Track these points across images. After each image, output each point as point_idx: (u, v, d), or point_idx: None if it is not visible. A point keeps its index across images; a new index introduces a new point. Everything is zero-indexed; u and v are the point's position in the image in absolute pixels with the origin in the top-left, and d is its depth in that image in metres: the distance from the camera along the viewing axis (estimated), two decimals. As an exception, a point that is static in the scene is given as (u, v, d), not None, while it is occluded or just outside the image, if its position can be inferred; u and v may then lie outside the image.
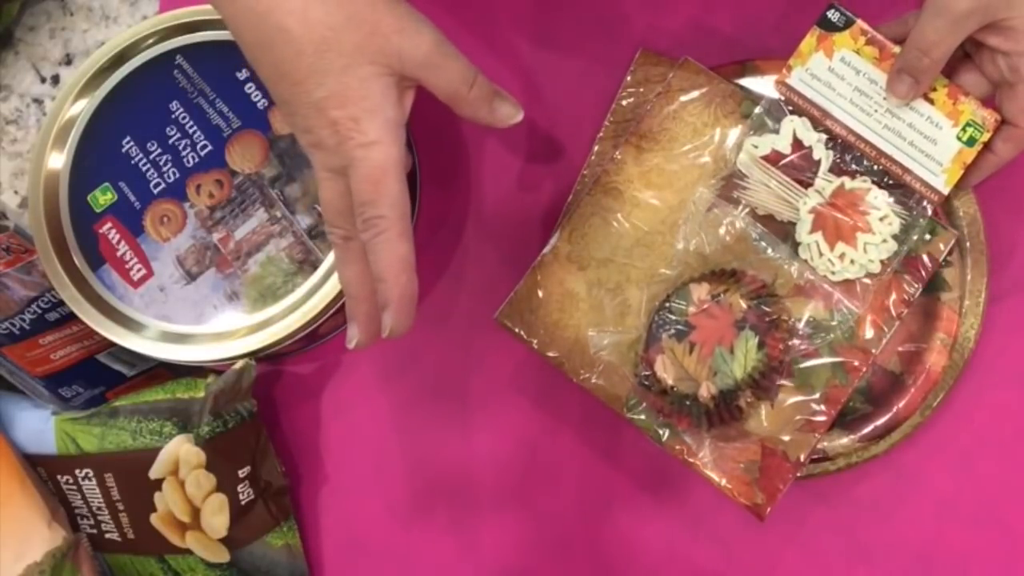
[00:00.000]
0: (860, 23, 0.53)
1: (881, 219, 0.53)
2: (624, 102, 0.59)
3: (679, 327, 0.53)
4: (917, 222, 0.53)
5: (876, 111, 0.52)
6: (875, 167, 0.53)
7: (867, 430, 0.55)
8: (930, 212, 0.53)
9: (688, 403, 0.52)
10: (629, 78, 0.59)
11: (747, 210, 0.54)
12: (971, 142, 0.52)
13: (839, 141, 0.53)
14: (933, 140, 0.52)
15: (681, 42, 0.59)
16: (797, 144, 0.54)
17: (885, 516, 0.56)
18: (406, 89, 0.45)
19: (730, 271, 0.54)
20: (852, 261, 0.53)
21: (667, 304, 0.53)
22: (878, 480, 0.56)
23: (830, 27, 0.53)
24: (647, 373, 0.53)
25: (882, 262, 0.53)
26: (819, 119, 0.53)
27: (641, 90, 0.58)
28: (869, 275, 0.53)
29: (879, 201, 0.53)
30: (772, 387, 0.53)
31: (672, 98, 0.57)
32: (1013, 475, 0.55)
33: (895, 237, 0.53)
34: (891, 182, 0.53)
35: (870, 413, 0.55)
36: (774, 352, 0.51)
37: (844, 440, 0.55)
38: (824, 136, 0.53)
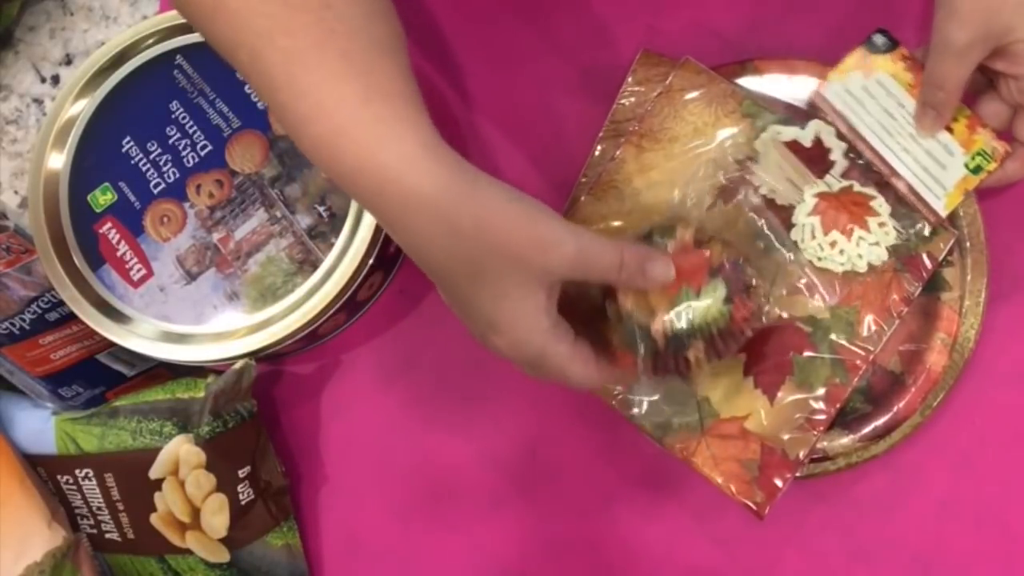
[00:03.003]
0: (902, 49, 0.54)
1: (879, 224, 0.54)
2: (625, 102, 0.59)
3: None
4: (911, 240, 0.54)
5: (899, 133, 0.54)
6: (885, 182, 0.54)
7: (867, 430, 0.55)
8: (927, 232, 0.54)
9: (638, 338, 0.50)
10: (630, 78, 0.59)
11: (757, 191, 0.55)
12: (977, 170, 0.53)
13: (858, 154, 0.55)
14: (943, 165, 0.53)
15: (681, 42, 0.59)
16: (818, 143, 0.55)
17: (885, 516, 0.56)
18: (555, 287, 0.45)
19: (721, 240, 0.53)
20: (841, 251, 0.54)
21: (649, 237, 0.51)
22: (878, 480, 0.56)
23: (874, 49, 0.55)
24: (609, 300, 0.50)
25: (869, 264, 0.54)
26: (844, 132, 0.55)
27: (642, 90, 0.58)
28: (852, 272, 0.54)
29: (882, 208, 0.54)
30: (725, 350, 0.50)
31: (673, 98, 0.57)
32: (1013, 475, 0.55)
33: (888, 248, 0.54)
34: (896, 197, 0.54)
35: (870, 413, 0.55)
36: (738, 314, 0.50)
37: (844, 440, 0.55)
38: (845, 146, 0.55)
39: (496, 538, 0.59)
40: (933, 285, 0.55)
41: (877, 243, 0.54)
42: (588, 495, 0.59)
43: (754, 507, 0.53)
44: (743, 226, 0.55)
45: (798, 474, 0.53)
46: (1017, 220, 0.57)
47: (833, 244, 0.54)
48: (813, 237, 0.54)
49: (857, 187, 0.54)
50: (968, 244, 0.55)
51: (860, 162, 0.55)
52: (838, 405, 0.53)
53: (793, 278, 0.54)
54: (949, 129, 0.54)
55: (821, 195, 0.54)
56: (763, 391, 0.54)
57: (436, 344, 0.61)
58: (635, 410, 0.55)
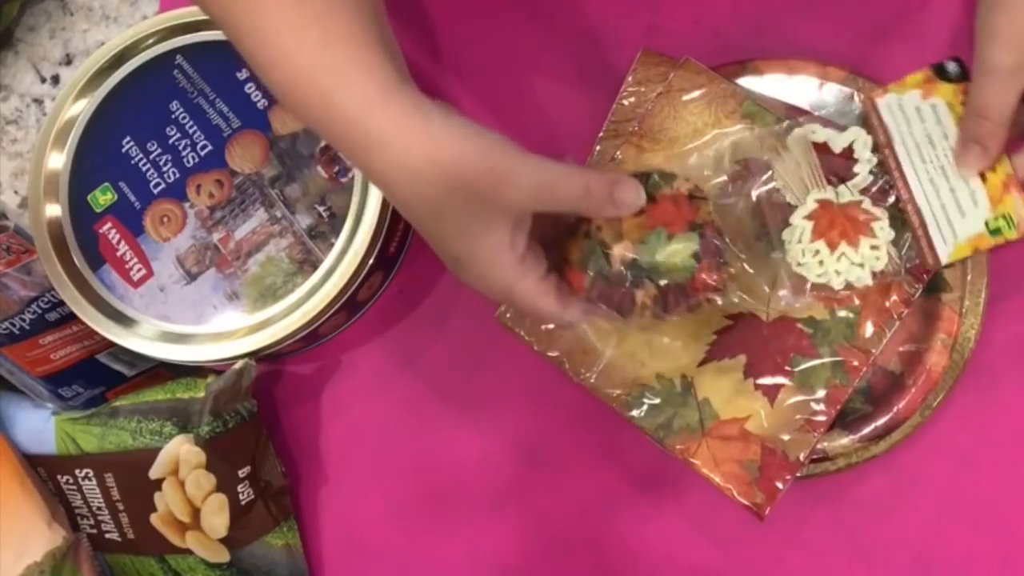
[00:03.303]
0: (969, 84, 0.51)
1: (872, 247, 0.53)
2: (625, 102, 0.59)
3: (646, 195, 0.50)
4: (900, 273, 0.53)
5: (932, 163, 0.52)
6: (899, 207, 0.53)
7: (867, 430, 0.55)
8: (924, 279, 0.53)
9: (597, 255, 0.49)
10: (630, 78, 0.59)
11: (769, 181, 0.54)
12: (995, 232, 0.51)
13: (883, 172, 0.53)
14: (964, 212, 0.51)
15: (682, 42, 0.59)
16: (847, 151, 0.54)
17: (885, 516, 0.56)
18: (522, 220, 0.45)
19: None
20: (820, 263, 0.52)
21: (648, 177, 0.50)
22: (878, 480, 0.56)
23: (943, 75, 0.52)
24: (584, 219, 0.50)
25: (847, 283, 0.52)
26: (882, 145, 0.53)
27: (642, 90, 0.58)
28: (823, 286, 0.53)
29: (881, 233, 0.52)
30: (674, 306, 0.49)
31: (673, 98, 0.57)
32: (1013, 475, 0.55)
33: (874, 273, 0.52)
34: (902, 224, 0.53)
35: (870, 413, 0.55)
36: (700, 277, 0.48)
37: (844, 440, 0.55)
38: (875, 161, 0.53)
39: (496, 538, 0.59)
40: (933, 285, 0.55)
41: (861, 264, 0.52)
42: (588, 495, 0.59)
43: (754, 508, 0.53)
44: (741, 210, 0.53)
45: (798, 474, 0.53)
46: (1017, 220, 0.57)
47: (815, 253, 0.52)
48: (799, 241, 0.53)
49: (866, 205, 0.53)
50: (968, 244, 0.55)
51: (881, 181, 0.53)
52: (838, 406, 0.53)
53: (770, 273, 0.53)
54: (983, 177, 0.51)
55: (823, 202, 0.53)
56: (763, 392, 0.54)
57: (436, 344, 0.61)
58: (635, 411, 0.55)
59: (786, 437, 0.53)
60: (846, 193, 0.53)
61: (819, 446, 0.54)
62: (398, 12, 0.45)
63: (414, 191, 0.42)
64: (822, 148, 0.54)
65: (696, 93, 0.57)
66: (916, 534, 0.56)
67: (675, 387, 0.55)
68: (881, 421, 0.55)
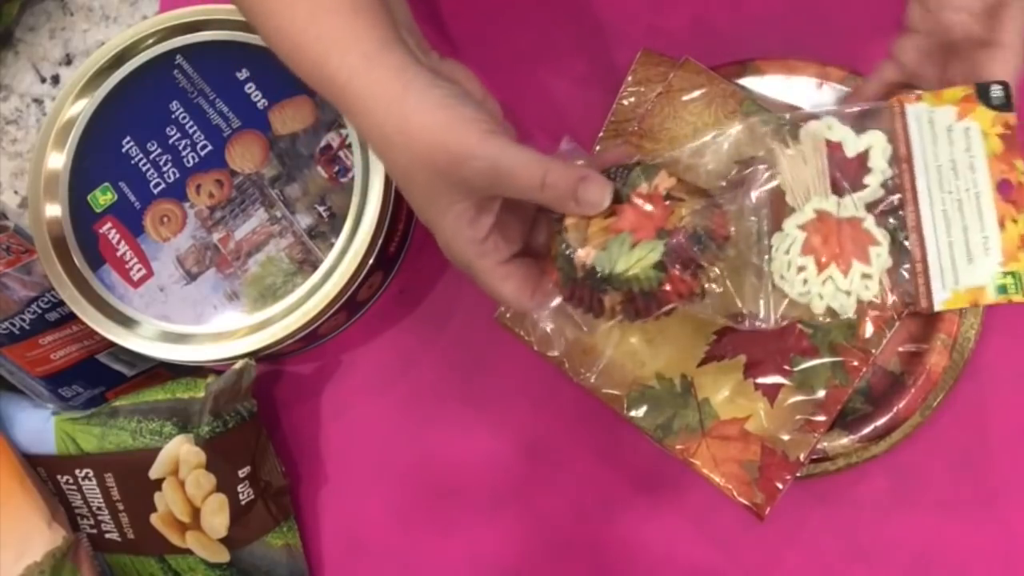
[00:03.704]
0: (1011, 116, 0.46)
1: (863, 276, 0.47)
2: (625, 102, 0.59)
3: (616, 189, 0.46)
4: (886, 308, 0.47)
5: (950, 193, 0.46)
6: (903, 235, 0.47)
7: (867, 430, 0.55)
8: (901, 314, 0.49)
9: (564, 257, 0.46)
10: (630, 78, 0.59)
11: (772, 178, 0.49)
12: (1001, 290, 0.45)
13: (896, 190, 0.48)
14: (972, 259, 0.46)
15: (682, 42, 0.59)
16: (861, 158, 0.48)
17: (885, 516, 0.56)
18: (489, 200, 0.45)
19: (709, 193, 0.47)
20: (805, 281, 0.47)
21: (628, 171, 0.47)
22: (878, 480, 0.56)
23: (985, 98, 0.47)
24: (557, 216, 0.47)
25: (828, 309, 0.47)
26: (901, 158, 0.48)
27: (642, 90, 0.58)
28: (797, 305, 0.48)
29: (878, 261, 0.47)
30: (644, 312, 0.46)
31: (673, 98, 0.57)
32: (1013, 475, 0.55)
33: (858, 302, 0.47)
34: (902, 252, 0.47)
35: (870, 413, 0.55)
36: (672, 286, 0.45)
37: (844, 440, 0.55)
38: (890, 174, 0.47)
39: (496, 538, 0.59)
40: (933, 285, 0.54)
41: (848, 293, 0.47)
42: (588, 495, 0.59)
43: (754, 508, 0.53)
44: (738, 209, 0.49)
45: (798, 474, 0.53)
46: (1017, 220, 0.57)
47: (801, 270, 0.47)
48: (787, 252, 0.48)
49: (868, 225, 0.47)
50: (968, 244, 0.55)
51: (892, 199, 0.47)
52: (838, 406, 0.53)
53: (752, 277, 0.49)
54: (1003, 225, 0.45)
55: (821, 213, 0.48)
56: (763, 392, 0.54)
57: (436, 344, 0.61)
58: (635, 411, 0.55)
59: (786, 437, 0.53)
60: (849, 206, 0.48)
61: (819, 446, 0.54)
62: (398, 12, 0.45)
63: (390, 157, 0.44)
64: (835, 148, 0.48)
65: (696, 93, 0.57)
66: (916, 534, 0.56)
67: (675, 387, 0.55)
68: (881, 421, 0.55)
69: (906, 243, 0.47)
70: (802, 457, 0.53)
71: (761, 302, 0.48)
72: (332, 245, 0.57)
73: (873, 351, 0.53)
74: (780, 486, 0.52)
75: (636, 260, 0.45)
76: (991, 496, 0.55)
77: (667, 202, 0.45)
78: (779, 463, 0.53)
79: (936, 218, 0.47)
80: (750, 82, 0.58)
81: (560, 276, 0.46)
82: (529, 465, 0.59)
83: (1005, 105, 0.46)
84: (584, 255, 0.45)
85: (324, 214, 0.58)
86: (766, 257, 0.48)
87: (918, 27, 0.49)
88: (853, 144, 0.48)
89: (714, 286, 0.47)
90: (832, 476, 0.55)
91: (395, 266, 0.62)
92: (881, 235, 0.47)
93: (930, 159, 0.47)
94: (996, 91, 0.46)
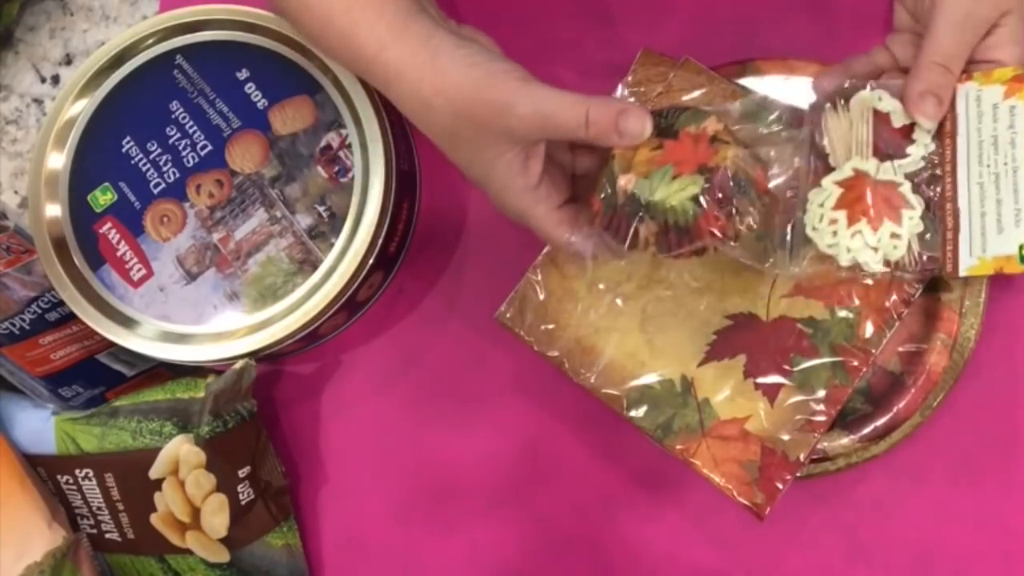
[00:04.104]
0: None
1: (892, 235, 0.49)
2: (630, 93, 0.59)
3: (665, 127, 0.48)
4: (910, 269, 0.49)
5: (988, 167, 0.49)
6: (938, 204, 0.50)
7: (867, 430, 0.55)
8: (926, 279, 0.51)
9: (607, 184, 0.48)
10: (630, 78, 0.59)
11: (818, 139, 0.51)
12: None
13: (937, 162, 0.50)
14: (1002, 229, 0.48)
15: (681, 42, 0.59)
16: (907, 129, 0.50)
17: (885, 516, 0.56)
18: (535, 147, 0.47)
19: (754, 147, 0.48)
20: (834, 233, 0.49)
21: (680, 113, 0.48)
22: (878, 480, 0.56)
23: None
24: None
25: (855, 262, 0.49)
26: (945, 133, 0.50)
27: (642, 90, 0.58)
28: (824, 257, 0.49)
29: (909, 223, 0.49)
30: (676, 246, 0.47)
31: (673, 98, 0.57)
32: (1013, 475, 0.55)
33: (887, 262, 0.49)
34: (933, 222, 0.49)
35: (870, 413, 0.55)
36: (705, 222, 0.46)
37: (844, 440, 0.55)
38: (932, 148, 0.50)
39: (496, 538, 0.59)
40: (933, 285, 0.55)
41: (876, 248, 0.49)
42: (588, 495, 0.59)
43: (754, 508, 0.53)
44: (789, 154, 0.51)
45: (798, 474, 0.53)
46: (1017, 220, 0.57)
47: (833, 222, 0.49)
48: (822, 205, 0.49)
49: (904, 190, 0.49)
50: (968, 244, 0.55)
51: (933, 170, 0.49)
52: (838, 406, 0.53)
53: (781, 232, 0.50)
54: None
55: (860, 172, 0.49)
56: (763, 392, 0.54)
57: (436, 344, 0.61)
58: (635, 411, 0.55)
59: (786, 437, 0.53)
60: (888, 171, 0.50)
61: (819, 446, 0.54)
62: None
63: (430, 119, 0.46)
64: (883, 119, 0.50)
65: (696, 93, 0.57)
66: (916, 534, 0.56)
67: (675, 387, 0.55)
68: (881, 421, 0.55)
69: (939, 212, 0.49)
70: (802, 457, 0.53)
71: (790, 252, 0.50)
72: (332, 245, 0.57)
73: (873, 351, 0.53)
74: (780, 486, 0.52)
75: (675, 191, 0.46)
76: (991, 496, 0.55)
77: (712, 144, 0.47)
78: (779, 463, 0.53)
79: (972, 190, 0.49)
80: (750, 82, 0.58)
81: (602, 203, 0.48)
82: (529, 465, 0.59)
83: None
84: (626, 181, 0.47)
85: (324, 214, 0.58)
86: (801, 211, 0.50)
87: (904, 27, 0.53)
88: (901, 116, 0.50)
89: (746, 231, 0.48)
90: (832, 476, 0.55)
91: (395, 266, 0.62)
92: (916, 201, 0.49)
93: (973, 135, 0.49)
94: None
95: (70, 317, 0.59)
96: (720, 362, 0.55)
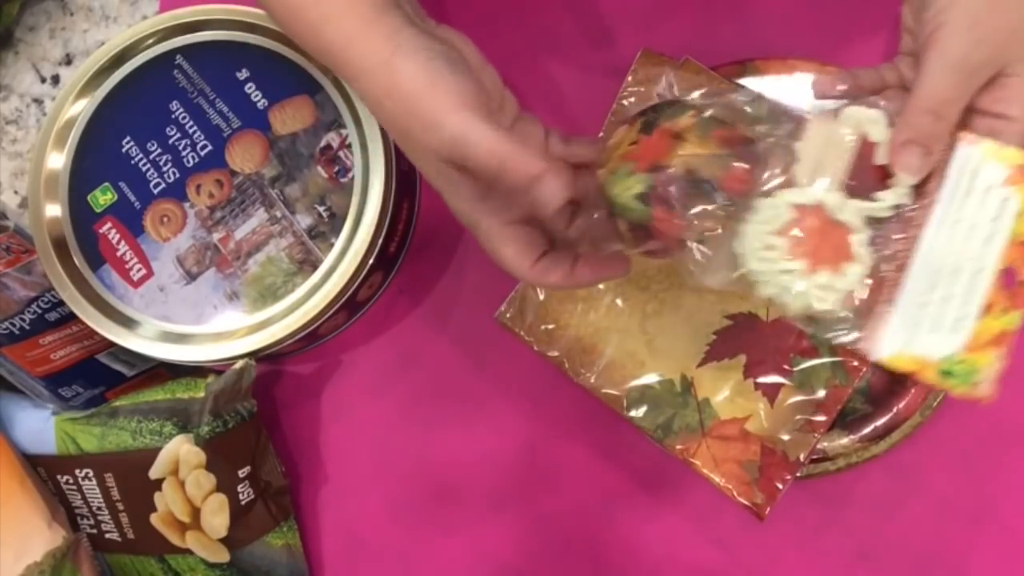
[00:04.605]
0: None
1: (823, 286, 0.42)
2: (625, 102, 0.59)
3: (651, 121, 0.45)
4: (820, 333, 0.43)
5: (953, 253, 0.42)
6: (887, 268, 0.42)
7: (867, 430, 0.55)
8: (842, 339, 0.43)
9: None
10: (630, 78, 0.59)
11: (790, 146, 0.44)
12: (945, 374, 0.41)
13: (904, 222, 0.43)
14: (937, 328, 0.41)
15: (681, 42, 0.59)
16: (888, 170, 0.43)
17: (885, 516, 0.56)
18: None
19: (748, 139, 0.44)
20: (765, 260, 0.43)
21: (666, 105, 0.46)
22: (878, 480, 0.56)
23: None
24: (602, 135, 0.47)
25: (768, 298, 0.43)
26: (927, 191, 0.43)
27: (642, 90, 0.58)
28: (743, 280, 0.43)
29: (844, 279, 0.42)
30: (642, 243, 0.45)
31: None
32: (1013, 475, 0.55)
33: (801, 311, 0.42)
34: (873, 287, 0.41)
35: (870, 413, 0.55)
36: (659, 222, 0.43)
37: (844, 440, 0.55)
38: (907, 203, 0.42)
39: (496, 538, 0.59)
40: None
41: (799, 295, 0.42)
42: (588, 495, 0.59)
43: (754, 508, 0.53)
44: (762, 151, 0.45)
45: (798, 474, 0.53)
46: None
47: (769, 248, 0.42)
48: (765, 223, 0.43)
49: (856, 239, 0.42)
50: (968, 244, 0.55)
51: (896, 228, 0.42)
52: (838, 406, 0.53)
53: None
54: (986, 312, 0.41)
55: (820, 204, 0.43)
56: (763, 392, 0.54)
57: (436, 344, 0.61)
58: (635, 411, 0.55)
59: (786, 437, 0.53)
60: (851, 212, 0.43)
61: (819, 446, 0.54)
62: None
63: (383, 118, 0.46)
64: (867, 148, 0.44)
65: (696, 93, 0.56)
66: (916, 534, 0.56)
67: (675, 387, 0.55)
68: (881, 421, 0.55)
69: (882, 278, 0.42)
70: (802, 457, 0.53)
71: (720, 258, 0.44)
72: (332, 245, 0.57)
73: (873, 351, 0.53)
74: (780, 486, 0.52)
75: (625, 188, 0.44)
76: (991, 496, 0.55)
77: (674, 141, 0.44)
78: (779, 463, 0.53)
79: (928, 270, 0.42)
80: (750, 82, 0.58)
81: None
82: (529, 464, 0.59)
83: None
84: (600, 175, 0.46)
85: (324, 214, 0.58)
86: (744, 217, 0.44)
87: (909, 52, 0.49)
88: (887, 153, 0.43)
89: (709, 235, 0.43)
90: (832, 476, 0.55)
91: (395, 266, 0.62)
92: (866, 255, 0.42)
93: (952, 210, 0.42)
94: None
95: (70, 317, 0.59)
96: (720, 362, 0.55)
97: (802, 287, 0.42)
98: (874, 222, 0.43)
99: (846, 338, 0.42)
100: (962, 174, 0.42)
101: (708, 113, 0.45)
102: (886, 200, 0.43)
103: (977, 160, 0.42)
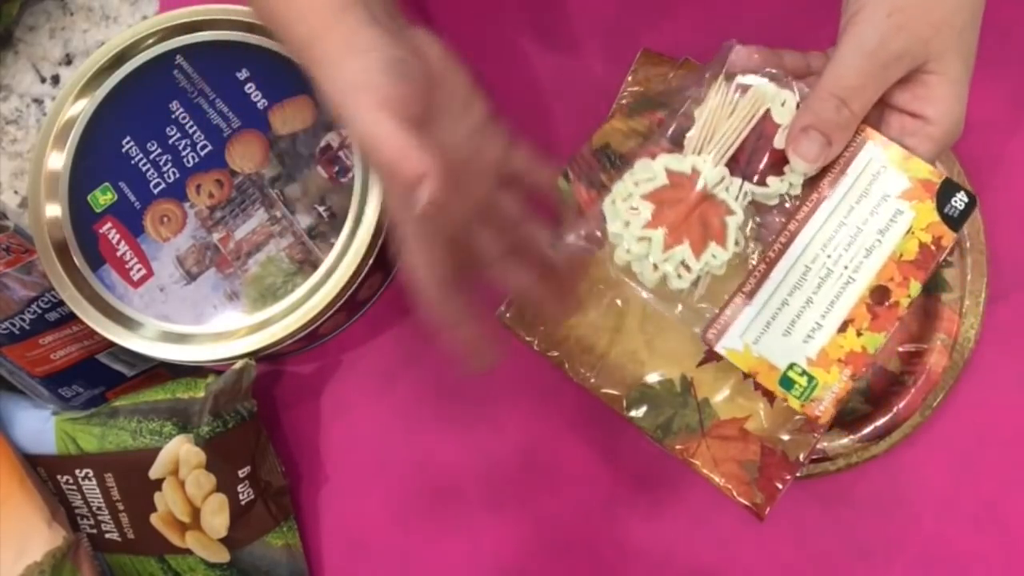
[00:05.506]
0: (952, 235, 0.40)
1: (682, 263, 0.40)
2: (625, 102, 0.59)
3: (611, 167, 0.44)
4: (674, 310, 0.41)
5: (829, 256, 0.39)
6: (753, 260, 0.40)
7: (867, 430, 0.55)
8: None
9: None
10: (630, 78, 0.59)
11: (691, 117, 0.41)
12: (786, 384, 0.40)
13: (787, 214, 0.41)
14: (788, 333, 0.38)
15: (681, 42, 0.59)
16: (782, 155, 0.40)
17: (885, 516, 0.56)
18: None
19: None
20: (627, 224, 0.40)
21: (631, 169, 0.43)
22: (878, 480, 0.56)
23: (943, 197, 0.40)
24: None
25: (625, 264, 0.41)
26: (820, 186, 0.40)
27: (642, 90, 0.58)
28: (600, 247, 0.41)
29: (706, 261, 0.40)
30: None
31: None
32: (1013, 475, 0.55)
33: (658, 283, 0.40)
34: (736, 275, 0.38)
35: (870, 413, 0.55)
36: (579, 198, 0.43)
37: (844, 440, 0.55)
38: (798, 191, 0.40)
39: (496, 538, 0.59)
40: (933, 285, 0.55)
41: (655, 265, 0.40)
42: (588, 495, 0.59)
43: (754, 508, 0.53)
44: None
45: (798, 474, 0.53)
46: (1017, 220, 0.57)
47: (633, 210, 0.40)
48: (636, 184, 0.40)
49: (731, 222, 0.40)
50: (968, 244, 0.55)
51: (777, 218, 0.40)
52: (839, 406, 0.53)
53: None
54: (844, 328, 0.38)
55: (698, 173, 0.40)
56: (763, 392, 0.54)
57: (436, 344, 0.61)
58: (635, 411, 0.55)
59: (786, 437, 0.53)
60: (731, 193, 0.41)
61: (819, 446, 0.54)
62: (399, 13, 0.45)
63: (343, 115, 0.45)
64: (768, 129, 0.41)
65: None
66: (916, 534, 0.56)
67: (675, 387, 0.55)
68: (881, 421, 0.55)
69: (747, 267, 0.40)
70: (802, 457, 0.53)
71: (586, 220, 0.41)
72: (332, 245, 0.57)
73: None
74: (780, 486, 0.52)
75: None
76: (991, 496, 0.55)
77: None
78: (779, 463, 0.53)
79: (795, 270, 0.40)
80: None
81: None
82: (529, 465, 0.59)
83: (955, 221, 0.39)
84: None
85: (324, 214, 0.58)
86: (620, 176, 0.41)
87: None
88: (785, 115, 0.41)
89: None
90: (832, 476, 0.55)
91: (395, 266, 0.62)
92: (734, 240, 0.40)
93: (842, 209, 0.40)
94: (958, 200, 0.40)
95: (70, 317, 0.59)
96: (720, 362, 0.55)
97: (659, 259, 0.40)
98: (762, 209, 0.41)
99: (696, 327, 0.40)
100: (862, 175, 0.40)
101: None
102: (774, 188, 0.41)
103: (880, 164, 0.40)
